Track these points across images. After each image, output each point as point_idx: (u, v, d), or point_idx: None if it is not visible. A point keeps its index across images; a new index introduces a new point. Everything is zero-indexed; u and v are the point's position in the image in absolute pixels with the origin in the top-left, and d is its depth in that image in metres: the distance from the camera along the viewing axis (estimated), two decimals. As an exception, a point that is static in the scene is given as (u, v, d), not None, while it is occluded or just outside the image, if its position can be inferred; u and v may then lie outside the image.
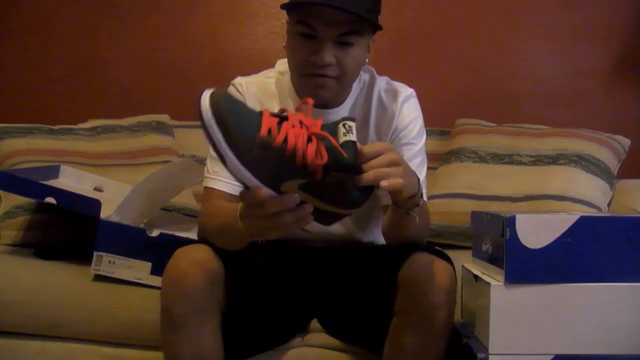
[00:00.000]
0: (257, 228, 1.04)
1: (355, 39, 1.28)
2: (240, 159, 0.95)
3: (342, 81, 1.32)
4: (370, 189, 1.04)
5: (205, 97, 0.93)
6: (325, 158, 0.98)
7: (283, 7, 1.30)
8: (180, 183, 1.90)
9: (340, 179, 1.00)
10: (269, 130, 0.96)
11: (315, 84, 1.30)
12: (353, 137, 1.00)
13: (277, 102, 1.42)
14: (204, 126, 0.94)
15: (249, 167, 0.96)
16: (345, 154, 0.98)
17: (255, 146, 0.95)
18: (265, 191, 0.97)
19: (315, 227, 1.20)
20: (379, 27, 1.30)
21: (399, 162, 1.07)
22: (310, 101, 1.03)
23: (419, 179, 1.20)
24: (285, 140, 0.97)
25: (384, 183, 1.02)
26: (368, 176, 1.01)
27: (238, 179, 0.98)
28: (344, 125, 1.01)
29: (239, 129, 0.94)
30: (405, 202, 1.19)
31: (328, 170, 0.99)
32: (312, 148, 0.98)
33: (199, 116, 0.93)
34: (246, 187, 0.99)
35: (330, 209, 1.03)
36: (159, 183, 1.70)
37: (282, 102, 1.41)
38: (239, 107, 0.97)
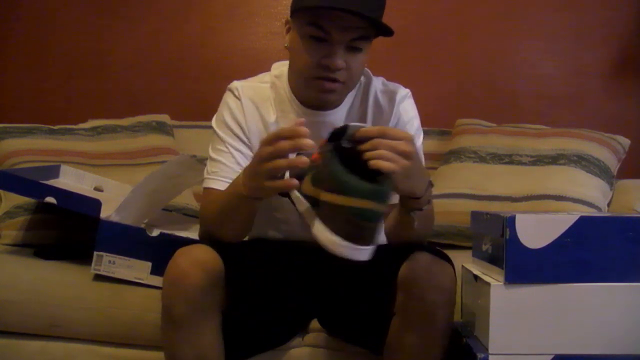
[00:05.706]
0: (259, 176, 1.12)
1: (363, 44, 1.29)
2: None
3: (348, 86, 1.33)
4: (369, 176, 1.06)
5: None
6: (325, 139, 1.10)
7: (296, 9, 1.28)
8: (181, 182, 1.89)
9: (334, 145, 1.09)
10: None
11: (324, 88, 1.30)
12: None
13: (272, 106, 1.41)
14: None
15: None
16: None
17: None
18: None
19: None
20: (392, 33, 1.27)
21: (408, 155, 1.08)
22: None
23: (430, 182, 1.20)
24: None
25: (373, 162, 1.05)
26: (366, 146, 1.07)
27: None
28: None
29: None
30: (409, 202, 1.19)
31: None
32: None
33: None
34: None
35: (335, 200, 1.05)
36: (159, 183, 1.70)
37: (278, 106, 1.41)
38: None
